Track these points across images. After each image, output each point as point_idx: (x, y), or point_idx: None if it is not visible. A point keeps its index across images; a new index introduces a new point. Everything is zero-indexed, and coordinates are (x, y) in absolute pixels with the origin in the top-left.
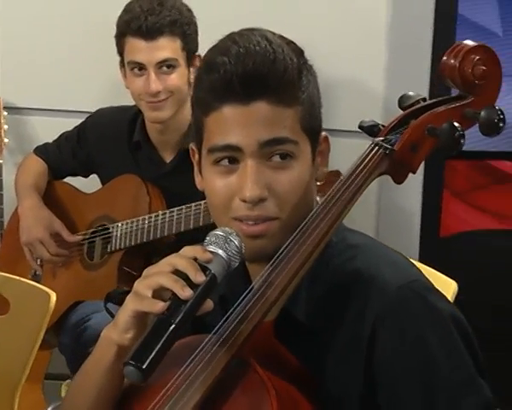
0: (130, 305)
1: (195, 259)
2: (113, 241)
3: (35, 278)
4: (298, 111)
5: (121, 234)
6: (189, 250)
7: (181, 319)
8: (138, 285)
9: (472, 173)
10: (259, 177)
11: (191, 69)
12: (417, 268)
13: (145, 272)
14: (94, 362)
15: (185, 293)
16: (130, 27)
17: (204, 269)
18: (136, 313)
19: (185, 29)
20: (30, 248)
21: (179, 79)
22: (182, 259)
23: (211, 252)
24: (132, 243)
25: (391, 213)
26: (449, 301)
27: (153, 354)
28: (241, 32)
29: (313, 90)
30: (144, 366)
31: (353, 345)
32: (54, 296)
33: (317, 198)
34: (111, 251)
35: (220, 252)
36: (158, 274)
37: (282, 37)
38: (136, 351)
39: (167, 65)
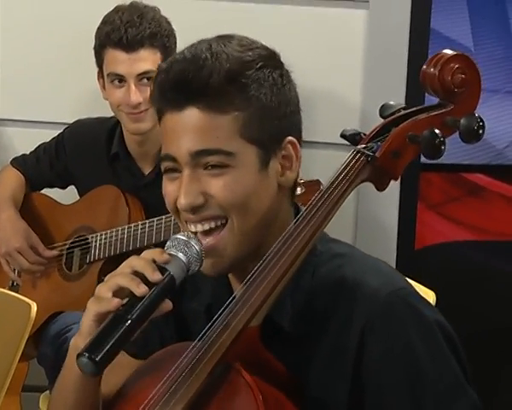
0: (91, 308)
1: (154, 261)
2: (93, 251)
3: (13, 289)
4: (237, 118)
5: (100, 244)
6: (148, 253)
7: (136, 315)
8: (99, 289)
9: (446, 186)
10: (192, 186)
11: None
12: (403, 277)
13: (107, 277)
14: (67, 372)
15: (140, 289)
16: (110, 39)
17: (162, 269)
18: (97, 316)
19: (165, 41)
20: (8, 259)
21: None
22: (140, 260)
23: (170, 254)
24: (112, 254)
25: (368, 226)
26: (434, 309)
27: (107, 347)
28: (202, 39)
29: (267, 95)
30: (98, 358)
31: (340, 352)
32: (34, 307)
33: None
34: (90, 261)
35: (180, 255)
36: (117, 275)
37: (253, 42)
38: (90, 343)
39: (147, 77)
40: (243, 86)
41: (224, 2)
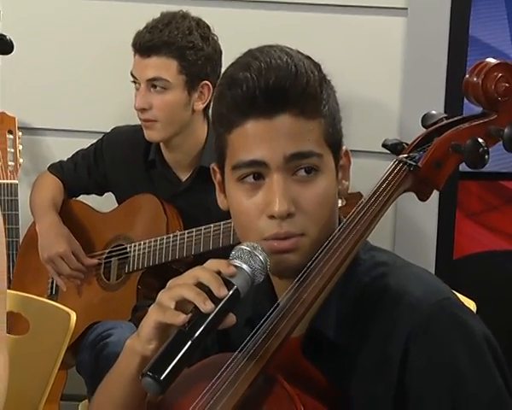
0: (153, 316)
1: (219, 272)
2: (131, 261)
3: (51, 298)
4: (321, 124)
5: (139, 254)
6: (213, 264)
7: (201, 333)
8: (162, 296)
9: (485, 194)
10: (286, 191)
11: (195, 95)
12: (447, 286)
13: (169, 283)
14: (118, 372)
15: (207, 307)
16: (134, 42)
17: (227, 283)
18: (158, 324)
19: (186, 53)
20: (50, 264)
21: (170, 100)
22: (206, 272)
23: (235, 266)
24: (150, 264)
25: (407, 235)
26: (479, 320)
27: (171, 366)
28: (260, 48)
29: (333, 103)
30: (162, 378)
31: (384, 362)
32: (74, 316)
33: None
34: (128, 271)
35: (245, 267)
36: (181, 286)
37: (299, 52)
38: (154, 362)
39: (157, 84)
40: (326, 93)
41: (261, 10)
